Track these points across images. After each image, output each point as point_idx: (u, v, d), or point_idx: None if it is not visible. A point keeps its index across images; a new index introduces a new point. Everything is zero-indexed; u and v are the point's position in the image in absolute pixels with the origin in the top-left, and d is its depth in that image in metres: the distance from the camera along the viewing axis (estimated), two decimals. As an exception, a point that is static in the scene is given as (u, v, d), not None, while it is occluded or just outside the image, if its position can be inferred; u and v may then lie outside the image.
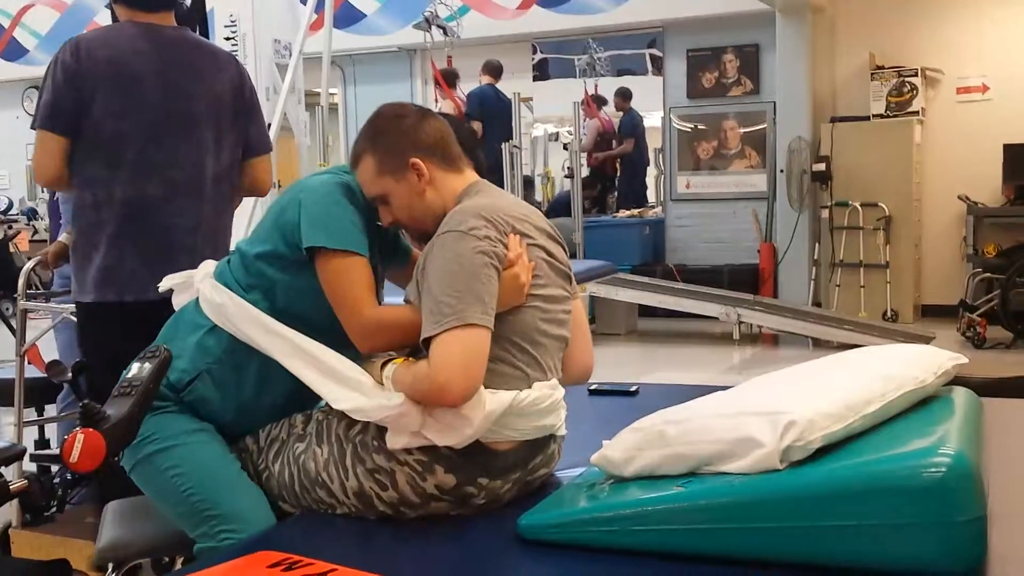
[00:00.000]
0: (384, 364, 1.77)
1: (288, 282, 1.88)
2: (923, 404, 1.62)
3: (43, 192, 11.49)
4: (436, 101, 9.41)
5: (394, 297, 2.10)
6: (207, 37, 3.57)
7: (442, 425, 1.69)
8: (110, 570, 2.07)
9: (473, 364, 1.66)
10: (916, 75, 8.25)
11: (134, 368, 1.61)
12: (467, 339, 1.65)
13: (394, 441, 1.72)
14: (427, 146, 1.87)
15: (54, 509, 1.42)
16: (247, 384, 1.91)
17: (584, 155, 9.87)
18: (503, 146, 7.34)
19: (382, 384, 1.75)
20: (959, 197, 8.16)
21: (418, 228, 1.90)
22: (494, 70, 8.34)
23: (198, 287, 1.95)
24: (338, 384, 1.78)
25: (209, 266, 2.01)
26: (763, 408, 1.47)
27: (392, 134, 1.87)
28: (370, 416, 1.73)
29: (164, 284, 2.04)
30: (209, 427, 1.93)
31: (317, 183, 1.90)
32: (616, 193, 10.19)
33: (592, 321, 7.86)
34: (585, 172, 9.89)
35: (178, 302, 2.03)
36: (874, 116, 8.34)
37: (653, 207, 10.02)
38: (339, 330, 1.83)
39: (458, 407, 1.66)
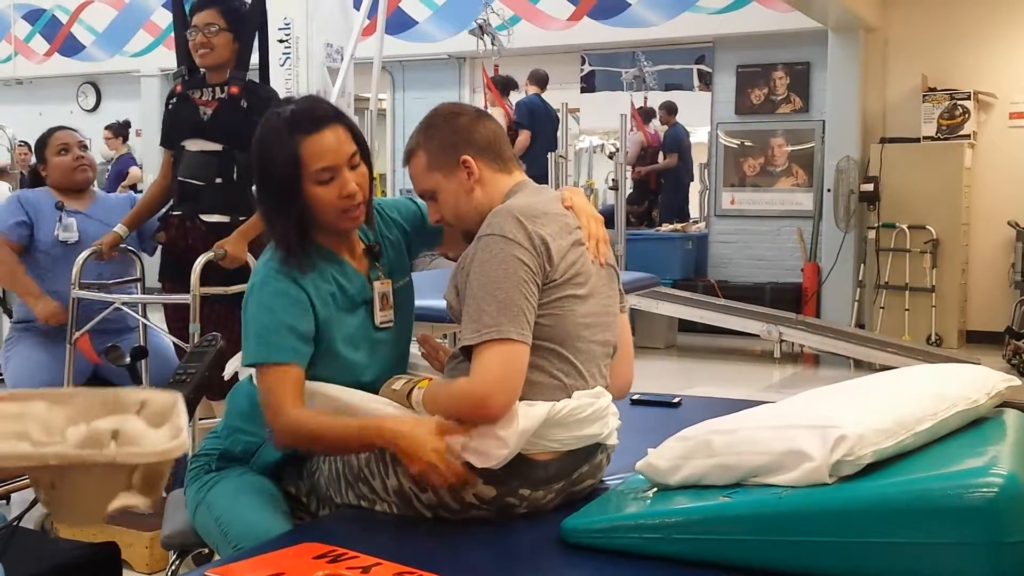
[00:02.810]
0: (409, 391, 1.78)
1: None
2: (975, 424, 1.61)
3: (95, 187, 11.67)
4: (485, 108, 9.46)
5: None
6: (266, 38, 3.61)
7: (479, 447, 1.69)
8: (174, 556, 2.11)
9: (513, 378, 1.66)
10: (968, 98, 8.16)
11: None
12: (507, 353, 1.66)
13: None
14: (480, 145, 1.86)
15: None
16: None
17: (629, 168, 9.86)
18: (549, 156, 7.35)
19: (412, 409, 1.77)
20: (1008, 223, 8.06)
21: (463, 227, 1.89)
22: (540, 80, 8.36)
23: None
24: None
25: None
26: (813, 422, 1.47)
27: (446, 130, 1.87)
28: None
29: (229, 370, 2.07)
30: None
31: (249, 290, 1.89)
32: (659, 207, 10.16)
33: (631, 333, 7.84)
34: (629, 186, 9.87)
35: (244, 375, 2.07)
36: (924, 138, 8.25)
37: (696, 222, 9.98)
38: (369, 369, 1.90)
39: (497, 421, 1.67)
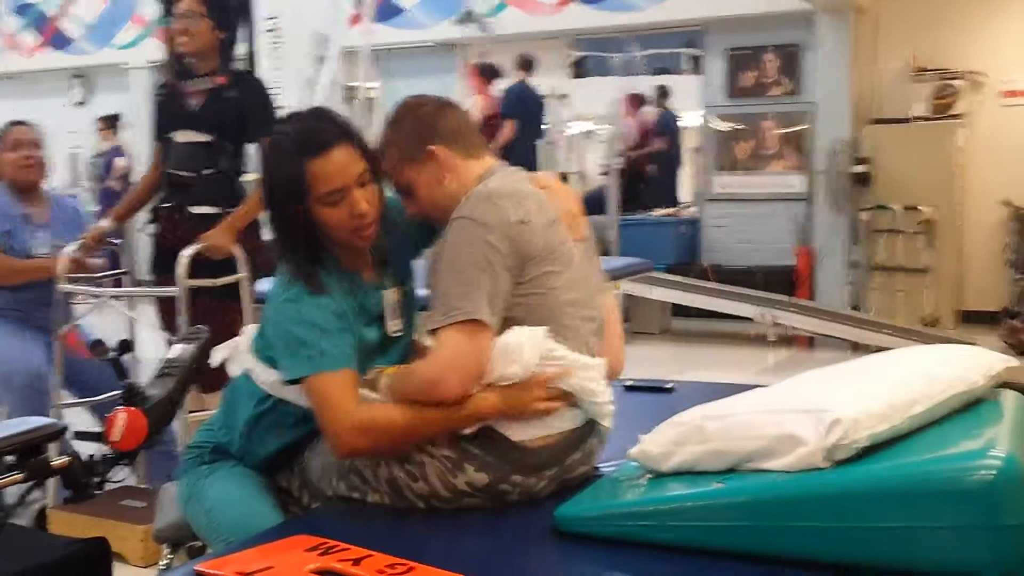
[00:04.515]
0: (378, 379, 1.78)
1: None
2: (971, 406, 1.59)
3: (86, 180, 11.63)
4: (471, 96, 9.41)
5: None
6: (251, 29, 3.59)
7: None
8: (167, 550, 2.10)
9: (469, 361, 1.66)
10: (960, 78, 8.14)
11: (176, 350, 1.62)
12: (465, 335, 1.66)
13: None
14: (446, 134, 1.88)
15: (95, 487, 1.45)
16: (295, 432, 1.92)
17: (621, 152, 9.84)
18: (538, 142, 7.33)
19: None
20: (1002, 202, 8.05)
21: (441, 217, 1.87)
22: (527, 64, 8.30)
23: (245, 360, 1.95)
24: None
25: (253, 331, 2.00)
26: (807, 406, 1.45)
27: (411, 123, 1.89)
28: None
29: (215, 359, 2.01)
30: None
31: (273, 309, 1.84)
32: (647, 192, 10.12)
33: (625, 320, 7.82)
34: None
35: (232, 370, 2.02)
36: (916, 119, 8.24)
37: (689, 206, 9.97)
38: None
39: (452, 403, 1.67)
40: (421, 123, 1.88)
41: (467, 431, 1.72)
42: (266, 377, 1.88)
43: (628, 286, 7.30)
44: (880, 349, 6.05)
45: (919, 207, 8.05)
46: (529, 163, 7.13)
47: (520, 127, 7.89)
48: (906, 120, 8.26)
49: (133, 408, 1.51)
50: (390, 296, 1.92)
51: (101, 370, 3.31)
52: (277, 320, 1.80)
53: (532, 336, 1.70)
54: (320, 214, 1.78)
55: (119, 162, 9.83)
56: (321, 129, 1.80)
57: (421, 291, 2.02)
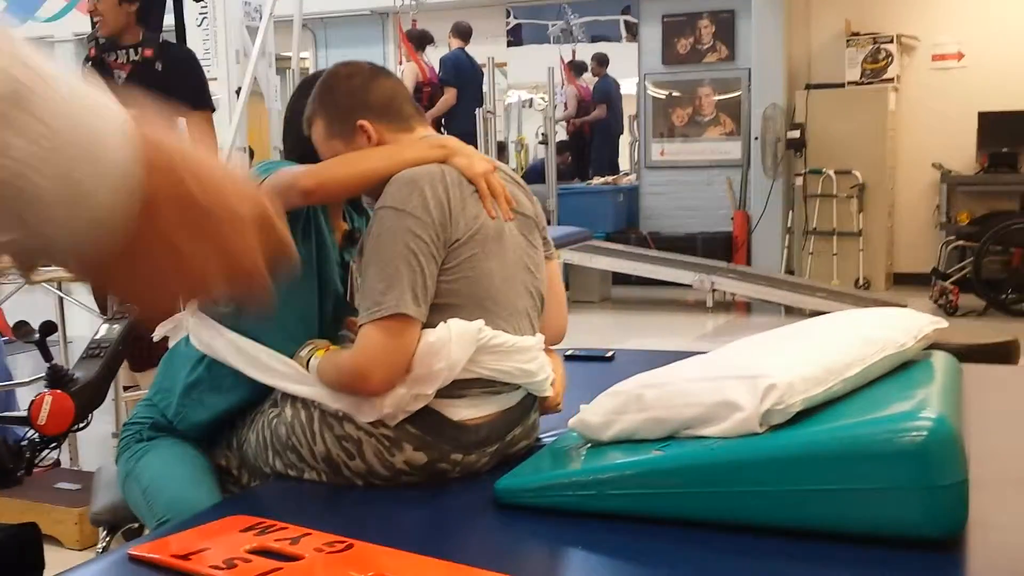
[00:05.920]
0: (309, 358, 1.77)
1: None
2: (903, 368, 1.61)
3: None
4: (400, 64, 9.29)
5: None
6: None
7: (418, 376, 1.66)
8: (104, 533, 2.06)
9: (396, 355, 1.64)
10: (891, 42, 8.24)
11: (102, 330, 1.58)
12: (390, 329, 1.64)
13: (364, 415, 1.70)
14: (376, 107, 1.82)
15: (22, 472, 1.41)
16: (230, 397, 1.89)
17: (564, 122, 9.84)
18: (477, 112, 7.27)
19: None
20: (933, 165, 8.19)
21: (374, 195, 1.82)
22: (464, 33, 8.20)
23: (187, 325, 1.92)
24: (297, 383, 1.79)
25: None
26: (742, 372, 1.45)
27: (339, 95, 1.83)
28: (326, 400, 1.73)
29: (158, 334, 1.98)
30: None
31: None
32: (590, 160, 10.15)
33: (566, 288, 7.84)
34: (562, 138, 9.84)
35: (176, 340, 2.00)
36: (849, 83, 8.34)
37: (627, 174, 9.99)
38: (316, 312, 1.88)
39: (377, 395, 1.65)
40: (351, 95, 1.82)
41: (407, 413, 1.70)
42: (203, 337, 1.86)
43: (568, 255, 7.31)
44: (814, 313, 6.14)
45: (852, 171, 8.16)
46: (469, 132, 7.07)
47: (459, 96, 7.83)
48: (839, 85, 8.35)
49: (59, 391, 1.46)
50: (355, 269, 1.91)
51: None
52: None
53: (461, 332, 1.67)
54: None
55: None
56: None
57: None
